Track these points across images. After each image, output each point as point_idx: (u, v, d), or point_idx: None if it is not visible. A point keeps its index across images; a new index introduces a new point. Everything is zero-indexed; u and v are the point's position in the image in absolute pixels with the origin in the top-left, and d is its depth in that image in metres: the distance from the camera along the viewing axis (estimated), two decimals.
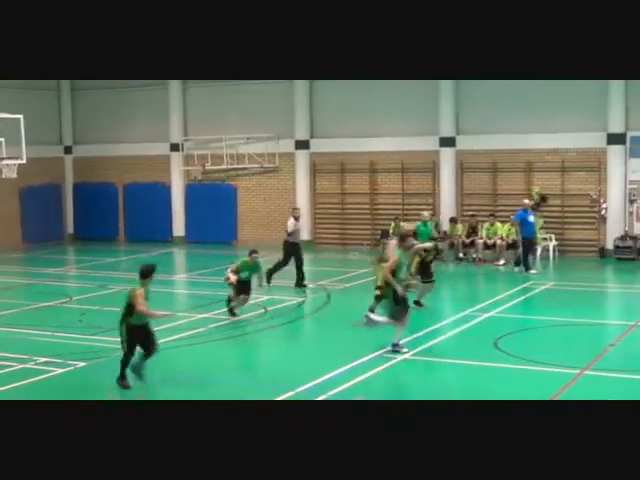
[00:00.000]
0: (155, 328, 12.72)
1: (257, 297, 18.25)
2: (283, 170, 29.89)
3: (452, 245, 25.89)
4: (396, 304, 13.95)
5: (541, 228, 25.12)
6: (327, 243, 29.18)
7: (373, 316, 14.59)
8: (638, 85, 24.37)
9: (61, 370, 13.40)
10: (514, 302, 19.09)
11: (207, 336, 15.76)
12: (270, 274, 20.30)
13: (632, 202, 25.45)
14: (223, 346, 15.34)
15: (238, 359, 14.97)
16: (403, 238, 14.58)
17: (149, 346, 12.17)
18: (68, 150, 33.40)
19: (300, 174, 29.43)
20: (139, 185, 32.15)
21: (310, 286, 20.84)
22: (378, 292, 15.20)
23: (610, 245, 25.52)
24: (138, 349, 12.25)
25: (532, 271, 22.78)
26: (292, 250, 20.80)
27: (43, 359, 13.95)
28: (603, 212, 25.61)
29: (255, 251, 17.66)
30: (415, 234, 19.16)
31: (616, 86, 24.73)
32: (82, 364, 13.73)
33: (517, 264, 23.25)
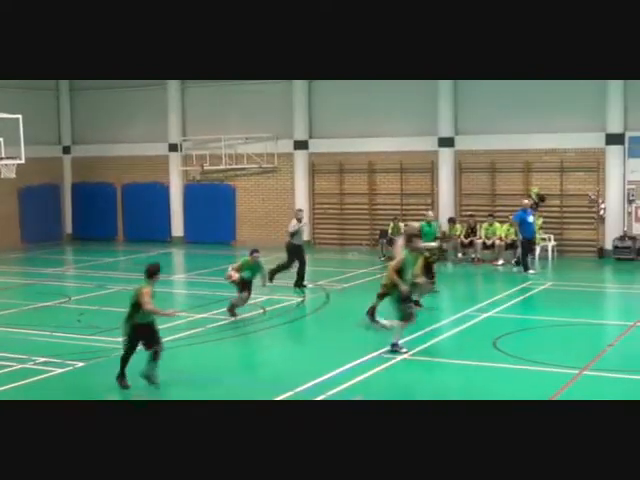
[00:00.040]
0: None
1: (256, 297, 18.24)
2: (282, 170, 29.89)
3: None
4: (401, 303, 13.95)
5: (540, 228, 25.13)
6: (326, 243, 29.17)
7: (383, 321, 14.57)
8: (637, 85, 24.38)
9: (60, 370, 13.39)
10: (513, 302, 19.09)
11: (206, 336, 15.75)
12: (273, 274, 20.29)
13: (631, 202, 25.46)
14: (222, 346, 15.33)
15: (237, 359, 14.96)
16: (410, 238, 14.55)
17: (153, 343, 12.11)
18: (67, 150, 33.40)
19: (299, 174, 29.43)
20: (138, 185, 32.15)
21: (309, 286, 20.84)
22: (381, 290, 15.14)
23: (609, 245, 25.53)
24: (138, 350, 12.24)
25: (531, 271, 22.79)
26: (295, 252, 20.75)
27: (42, 359, 13.95)
28: (602, 212, 25.62)
29: (256, 250, 17.56)
30: (419, 234, 19.17)
31: (615, 86, 24.75)
32: (81, 364, 13.73)
33: (518, 263, 23.27)
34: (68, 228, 33.68)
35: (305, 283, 20.80)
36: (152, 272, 12.26)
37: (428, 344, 14.84)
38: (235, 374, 13.56)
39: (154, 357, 12.14)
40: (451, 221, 26.27)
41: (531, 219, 23.19)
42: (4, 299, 20.11)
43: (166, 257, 28.36)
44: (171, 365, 13.40)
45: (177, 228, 31.76)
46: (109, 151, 32.34)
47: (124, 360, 12.22)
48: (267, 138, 29.66)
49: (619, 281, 23.42)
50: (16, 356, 14.20)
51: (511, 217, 24.32)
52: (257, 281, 17.69)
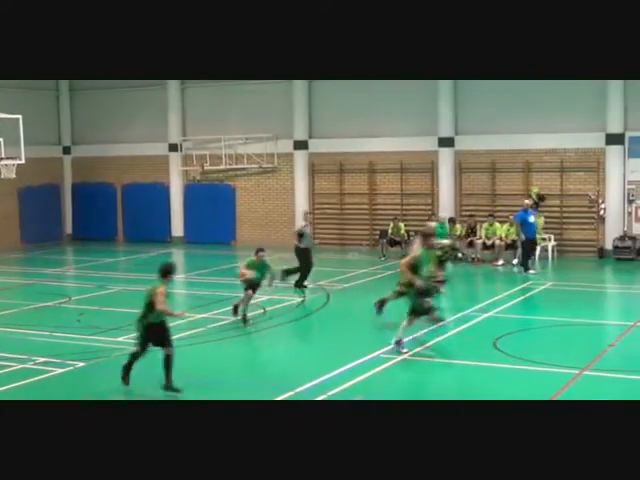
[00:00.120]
0: None
1: (257, 297, 18.20)
2: (282, 170, 29.89)
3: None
4: (419, 297, 13.96)
5: (542, 228, 25.13)
6: (326, 243, 29.17)
7: (402, 335, 14.33)
8: (637, 85, 24.39)
9: (60, 370, 13.40)
10: (513, 302, 19.09)
11: (206, 336, 15.75)
12: (287, 274, 20.45)
13: (631, 202, 25.46)
14: (222, 346, 15.33)
15: (238, 359, 14.95)
16: (427, 236, 14.62)
17: (165, 344, 12.07)
18: (67, 150, 33.39)
19: (299, 174, 29.43)
20: (138, 185, 32.15)
21: (309, 286, 20.84)
22: (399, 289, 15.18)
23: (609, 245, 25.53)
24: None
25: (531, 271, 22.79)
26: (304, 255, 20.85)
27: (42, 359, 13.95)
28: (602, 212, 25.62)
29: (261, 249, 17.29)
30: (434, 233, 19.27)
31: (615, 86, 24.75)
32: (81, 364, 13.73)
33: (522, 263, 23.26)
34: (68, 228, 33.68)
35: (305, 283, 20.80)
36: (166, 272, 12.22)
37: (428, 344, 14.83)
38: (235, 374, 13.56)
39: (167, 364, 11.94)
40: (451, 221, 26.25)
41: (532, 219, 23.19)
42: (4, 299, 20.11)
43: (166, 257, 28.31)
44: None
45: (177, 228, 31.76)
46: (109, 151, 32.34)
47: (134, 357, 12.13)
48: (267, 138, 29.67)
49: (619, 281, 23.42)
50: (16, 356, 14.20)
51: (511, 217, 24.33)
52: (264, 281, 17.52)
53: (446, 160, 27.26)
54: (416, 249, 14.67)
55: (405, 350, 14.05)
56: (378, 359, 13.72)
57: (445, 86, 26.72)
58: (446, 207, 27.08)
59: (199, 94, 30.78)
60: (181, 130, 31.28)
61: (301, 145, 29.30)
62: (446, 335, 15.75)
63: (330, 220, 29.43)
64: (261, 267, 17.10)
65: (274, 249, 22.75)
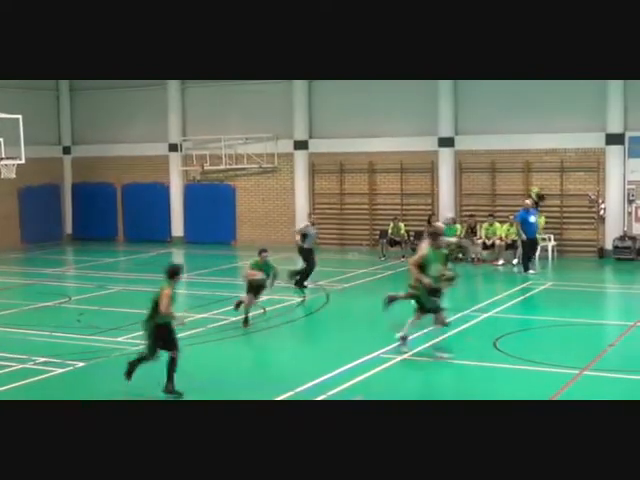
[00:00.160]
0: None
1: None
2: (282, 170, 29.89)
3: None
4: (430, 296, 13.96)
5: (543, 228, 25.13)
6: (326, 243, 29.15)
7: (408, 331, 14.36)
8: (637, 85, 24.38)
9: (60, 370, 13.40)
10: (513, 302, 19.09)
11: (206, 336, 15.74)
12: (296, 275, 20.61)
13: (631, 202, 25.46)
14: (222, 346, 15.32)
15: (237, 359, 14.94)
16: (435, 236, 14.63)
17: (170, 347, 11.98)
18: (67, 150, 33.40)
19: (299, 174, 29.43)
20: (138, 185, 32.15)
21: (309, 286, 20.84)
22: (411, 290, 15.19)
23: (609, 245, 25.53)
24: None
25: (531, 271, 22.79)
26: (308, 255, 20.94)
27: (42, 359, 13.95)
28: (602, 212, 25.62)
29: (265, 250, 17.22)
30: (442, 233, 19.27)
31: (615, 86, 24.75)
32: (81, 364, 13.73)
33: (522, 263, 23.23)
34: (68, 228, 33.68)
35: (306, 283, 20.81)
36: (173, 273, 12.18)
37: (428, 344, 14.82)
38: (235, 374, 13.54)
39: (170, 367, 11.84)
40: (451, 221, 26.27)
41: (532, 219, 23.19)
42: (4, 299, 20.11)
43: (166, 257, 28.31)
44: None
45: (177, 228, 31.76)
46: (109, 151, 32.34)
47: (141, 360, 12.02)
48: (267, 138, 29.67)
49: (619, 281, 23.42)
50: (16, 356, 14.20)
51: (512, 217, 24.33)
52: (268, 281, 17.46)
53: (446, 160, 27.26)
54: (424, 247, 14.67)
55: (405, 350, 14.04)
56: (378, 359, 13.72)
57: (445, 86, 26.72)
58: (446, 207, 27.09)
59: (199, 94, 30.78)
60: (181, 130, 31.28)
61: (301, 145, 29.30)
62: (446, 335, 15.75)
63: (330, 220, 29.40)
64: (265, 267, 17.05)
65: (274, 249, 22.66)
